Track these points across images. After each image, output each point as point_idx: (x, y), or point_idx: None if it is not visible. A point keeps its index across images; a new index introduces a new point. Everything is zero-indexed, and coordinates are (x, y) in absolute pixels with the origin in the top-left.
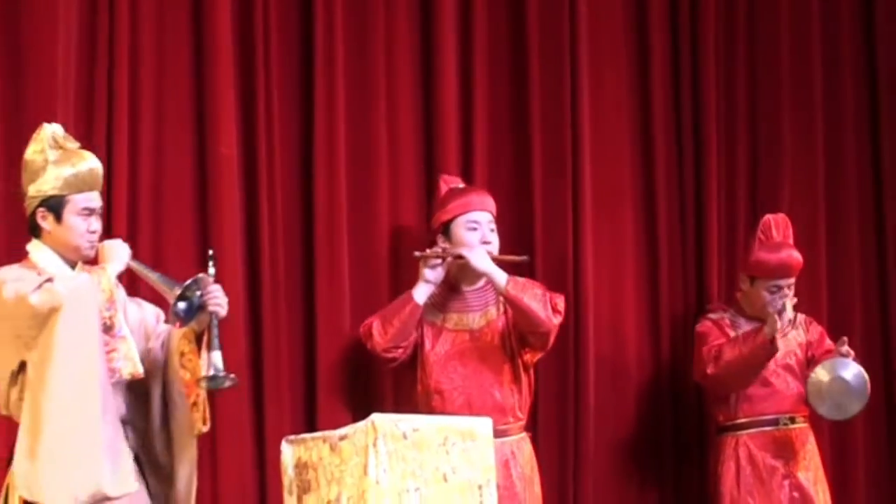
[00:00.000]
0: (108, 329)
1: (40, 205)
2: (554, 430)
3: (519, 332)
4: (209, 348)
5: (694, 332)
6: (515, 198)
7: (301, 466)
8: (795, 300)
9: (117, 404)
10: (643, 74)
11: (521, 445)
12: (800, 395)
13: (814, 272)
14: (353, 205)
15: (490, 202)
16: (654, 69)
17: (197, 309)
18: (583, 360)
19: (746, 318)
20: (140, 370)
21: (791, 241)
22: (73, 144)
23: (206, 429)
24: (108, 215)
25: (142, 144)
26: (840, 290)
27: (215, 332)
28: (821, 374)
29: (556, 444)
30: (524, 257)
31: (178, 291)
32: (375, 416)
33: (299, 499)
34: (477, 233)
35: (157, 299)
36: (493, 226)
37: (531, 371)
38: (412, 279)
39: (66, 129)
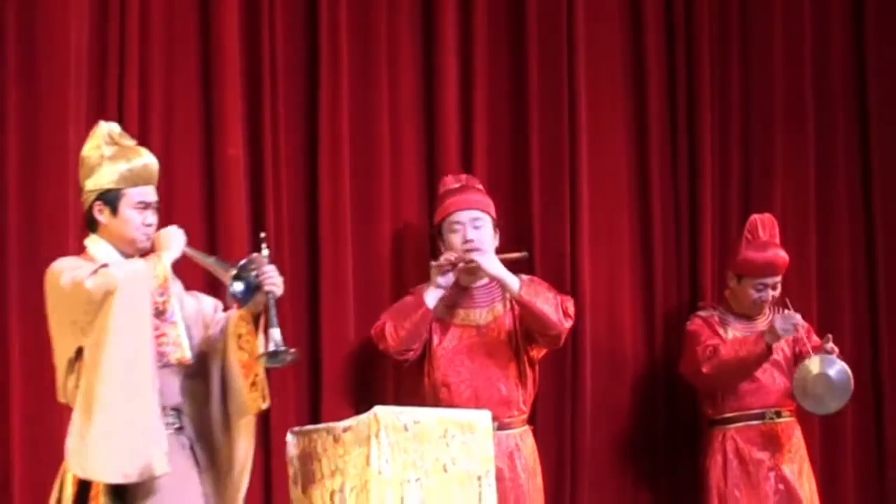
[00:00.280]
0: (159, 314)
1: (97, 199)
2: (552, 422)
3: (528, 331)
4: (268, 326)
5: (685, 329)
6: (514, 197)
7: (305, 457)
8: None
9: (168, 388)
10: (639, 78)
11: (525, 438)
12: (786, 389)
13: (804, 270)
14: (356, 203)
15: (474, 199)
16: (649, 72)
17: (253, 290)
18: (580, 354)
19: (735, 316)
20: (188, 356)
21: (777, 240)
22: (129, 141)
23: (265, 406)
24: None
25: (152, 146)
26: (830, 287)
27: (273, 310)
28: (806, 369)
29: (553, 437)
30: (524, 253)
31: (233, 273)
32: (378, 409)
33: (304, 489)
34: (458, 234)
35: (212, 291)
36: (480, 222)
37: (536, 366)
38: (414, 276)
39: (78, 133)
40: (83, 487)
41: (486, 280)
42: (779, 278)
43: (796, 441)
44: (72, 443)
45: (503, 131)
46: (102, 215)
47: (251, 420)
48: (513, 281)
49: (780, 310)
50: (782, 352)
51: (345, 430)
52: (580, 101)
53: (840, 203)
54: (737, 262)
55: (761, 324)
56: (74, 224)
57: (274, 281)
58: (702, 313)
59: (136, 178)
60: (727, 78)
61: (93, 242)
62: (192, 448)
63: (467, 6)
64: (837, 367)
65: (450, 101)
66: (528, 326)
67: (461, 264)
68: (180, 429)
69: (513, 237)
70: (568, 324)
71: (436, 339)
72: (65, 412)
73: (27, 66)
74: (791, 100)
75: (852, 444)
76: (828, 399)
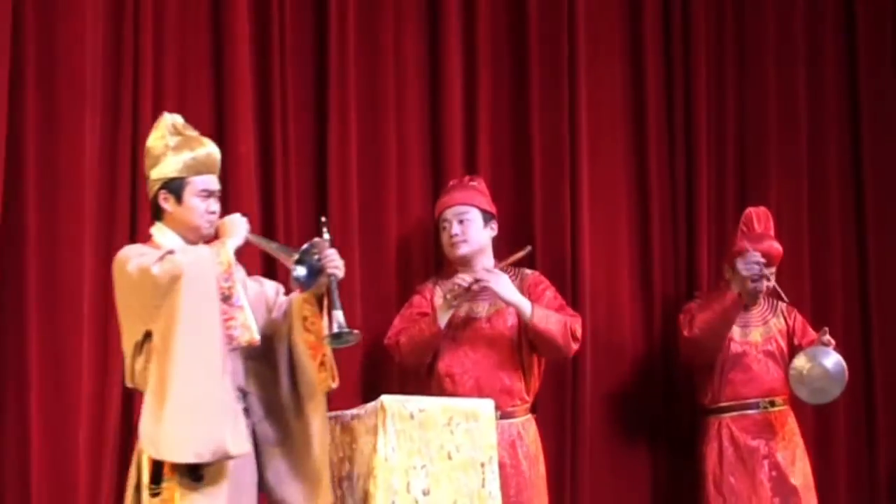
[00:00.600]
0: (226, 299)
1: (162, 187)
2: (552, 410)
3: (532, 344)
4: (331, 308)
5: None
6: (517, 193)
7: None
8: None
9: (236, 371)
10: (637, 79)
11: (527, 426)
12: (780, 379)
13: (797, 261)
14: (363, 200)
15: (459, 196)
16: (647, 74)
17: (316, 273)
18: (580, 343)
19: None
20: (256, 338)
21: (772, 232)
22: (192, 132)
23: (335, 385)
24: (133, 211)
25: None
26: (822, 278)
27: (335, 293)
28: (802, 361)
29: (554, 424)
30: (527, 248)
31: (296, 257)
32: (384, 398)
33: None
34: (446, 231)
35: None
36: (466, 215)
37: (540, 359)
38: (420, 272)
39: (94, 132)
40: (158, 467)
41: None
42: (773, 269)
43: (790, 429)
44: (145, 424)
45: (505, 130)
46: (167, 203)
47: (322, 399)
48: (525, 306)
49: (774, 302)
50: (776, 342)
51: (353, 417)
52: (580, 101)
53: (832, 196)
54: (733, 254)
55: (755, 313)
56: (90, 223)
57: (336, 264)
58: (695, 303)
59: (199, 167)
60: (723, 78)
61: (158, 230)
62: (253, 430)
63: (470, 12)
64: (833, 359)
65: (454, 101)
66: (535, 346)
67: (475, 287)
68: (245, 410)
69: (516, 231)
70: (575, 346)
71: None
72: (83, 399)
73: (46, 74)
74: (784, 98)
75: (844, 430)
76: (824, 389)
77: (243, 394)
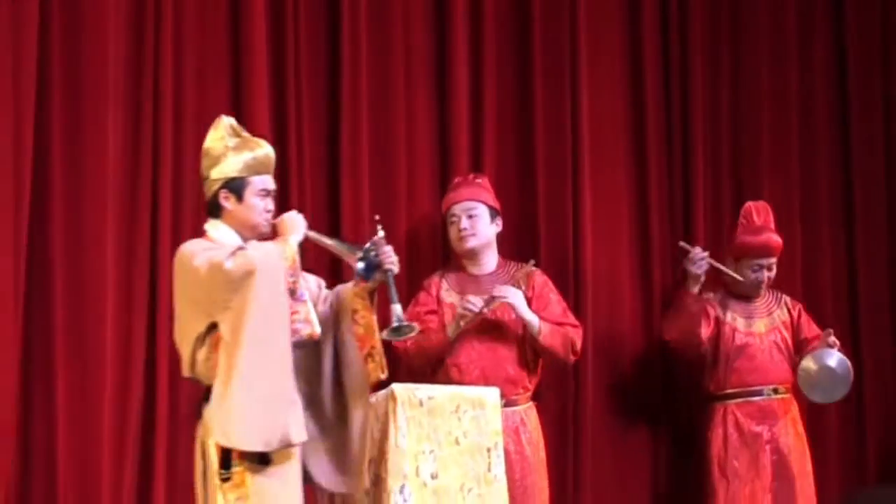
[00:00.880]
0: (291, 293)
1: (223, 186)
2: (555, 399)
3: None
4: (390, 302)
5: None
6: (521, 192)
7: None
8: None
9: (296, 362)
10: (636, 82)
11: (529, 413)
12: (784, 369)
13: (789, 256)
14: (374, 200)
15: (467, 192)
16: (646, 78)
17: (373, 268)
18: (583, 333)
19: (735, 298)
20: (318, 331)
21: (772, 225)
22: (247, 134)
23: (384, 376)
24: (154, 207)
25: (185, 145)
26: (812, 272)
27: (393, 287)
28: (809, 364)
29: (556, 412)
30: (531, 262)
31: (360, 254)
32: (395, 386)
33: None
34: (454, 225)
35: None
36: (474, 211)
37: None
38: (427, 267)
39: (116, 132)
40: (227, 453)
41: (493, 268)
42: (773, 260)
43: (792, 416)
44: (217, 414)
45: (510, 132)
46: (228, 202)
47: (366, 391)
48: (535, 323)
49: (778, 294)
50: (780, 333)
51: None
52: (582, 102)
53: (822, 196)
54: (733, 246)
55: (760, 305)
56: (113, 218)
57: (392, 259)
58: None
59: (258, 167)
60: (718, 80)
61: (213, 227)
62: None
63: (477, 18)
64: (838, 359)
65: (461, 102)
66: (538, 354)
67: (494, 303)
68: None
69: (519, 226)
70: (573, 359)
71: (448, 322)
72: (107, 388)
73: (72, 77)
74: (776, 98)
75: (836, 419)
76: (832, 389)
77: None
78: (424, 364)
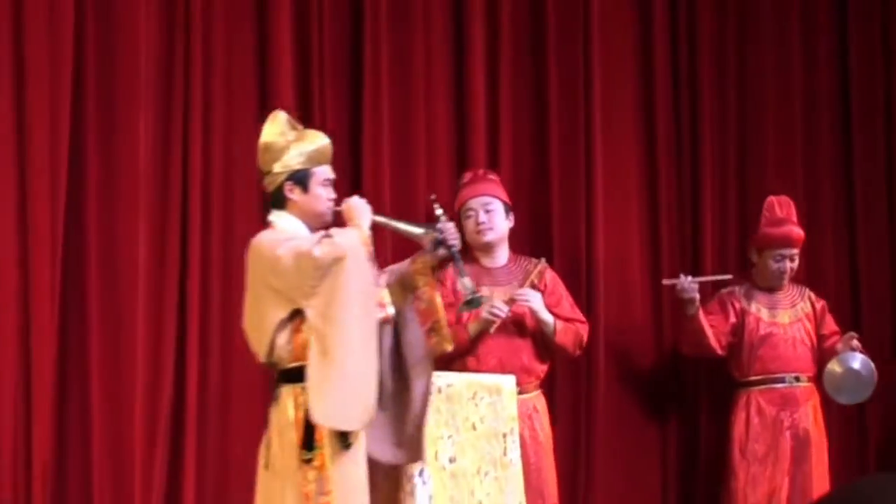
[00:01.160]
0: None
1: (288, 179)
2: (567, 389)
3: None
4: (460, 276)
5: None
6: (535, 186)
7: None
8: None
9: None
10: (647, 87)
11: (539, 401)
12: (806, 359)
13: None
14: (395, 194)
15: (483, 187)
16: (656, 78)
17: (437, 246)
18: (595, 322)
19: (759, 290)
20: (392, 312)
21: (794, 217)
22: (300, 126)
23: (450, 348)
24: (184, 203)
25: (214, 141)
26: (815, 268)
27: (461, 262)
28: (834, 367)
29: (569, 402)
30: (542, 260)
31: (433, 233)
32: None
33: None
34: (471, 219)
35: None
36: (491, 206)
37: None
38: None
39: (148, 130)
40: (309, 436)
41: (504, 261)
42: (795, 251)
43: (813, 404)
44: (311, 395)
45: (525, 132)
46: (293, 194)
47: (428, 365)
48: (550, 323)
49: (802, 287)
50: (802, 324)
51: None
52: (594, 100)
53: (824, 191)
54: (757, 238)
55: (783, 297)
56: (145, 214)
57: (456, 236)
58: (724, 290)
59: (320, 158)
60: (725, 80)
61: (280, 218)
62: None
63: (494, 18)
64: (861, 360)
65: (478, 101)
66: (547, 347)
67: (508, 314)
68: None
69: (533, 221)
70: (579, 353)
71: (465, 315)
72: (138, 380)
73: (104, 72)
74: (781, 100)
75: (837, 418)
76: (857, 390)
77: None
78: (447, 359)
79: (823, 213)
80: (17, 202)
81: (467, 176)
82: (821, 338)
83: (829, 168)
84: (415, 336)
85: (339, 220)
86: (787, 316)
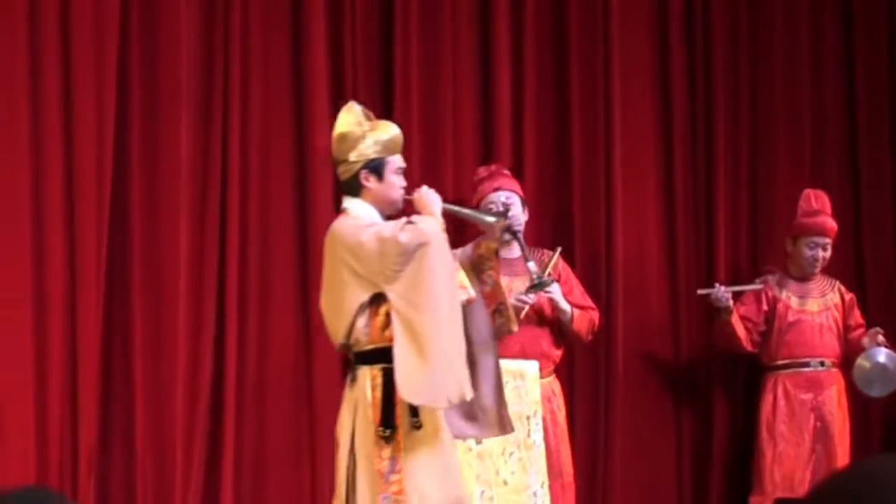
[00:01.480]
0: None
1: (363, 167)
2: (588, 376)
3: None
4: (526, 260)
5: None
6: (558, 185)
7: None
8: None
9: None
10: (664, 88)
11: (555, 383)
12: (832, 347)
13: None
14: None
15: (502, 181)
16: (673, 80)
17: (506, 231)
18: (612, 313)
19: (792, 279)
20: (472, 294)
21: (828, 209)
22: (373, 117)
23: (516, 329)
24: (223, 198)
25: (251, 137)
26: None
27: (526, 247)
28: (863, 362)
29: (590, 389)
30: (558, 249)
31: (502, 220)
32: None
33: None
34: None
35: None
36: (510, 200)
37: None
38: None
39: (189, 130)
40: (388, 414)
41: (520, 253)
42: (828, 241)
43: (838, 389)
44: (403, 374)
45: (548, 128)
46: (369, 182)
47: (493, 344)
48: (568, 311)
49: (832, 279)
50: (832, 315)
51: None
52: (614, 101)
53: (831, 189)
54: (792, 227)
55: (814, 287)
56: (185, 210)
57: (520, 221)
58: (758, 279)
59: (393, 147)
60: (738, 85)
61: (354, 205)
62: None
63: (518, 24)
64: (886, 354)
65: (503, 101)
66: (564, 333)
67: (530, 304)
68: None
69: (555, 216)
70: (590, 338)
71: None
72: (179, 367)
73: (147, 74)
74: (790, 101)
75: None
76: (888, 382)
77: None
78: None
79: (833, 205)
80: (64, 204)
81: (483, 171)
82: (847, 328)
83: (835, 170)
84: (483, 318)
85: (407, 208)
86: (816, 305)
